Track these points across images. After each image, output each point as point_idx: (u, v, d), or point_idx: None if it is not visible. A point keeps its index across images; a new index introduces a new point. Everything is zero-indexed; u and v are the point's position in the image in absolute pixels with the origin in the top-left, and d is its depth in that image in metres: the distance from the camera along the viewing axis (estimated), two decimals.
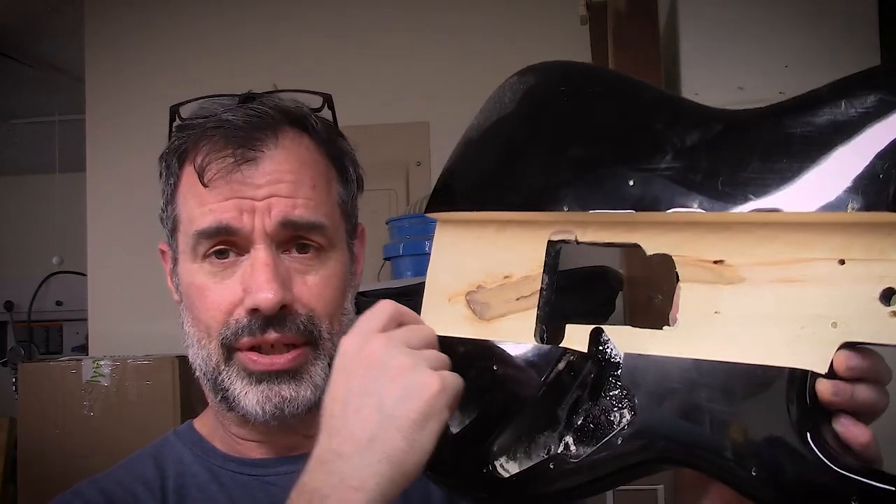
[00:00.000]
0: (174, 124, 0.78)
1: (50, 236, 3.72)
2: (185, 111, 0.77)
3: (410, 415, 0.55)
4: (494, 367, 0.64)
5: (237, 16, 2.39)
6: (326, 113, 0.79)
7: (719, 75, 1.34)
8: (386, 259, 1.96)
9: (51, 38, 2.87)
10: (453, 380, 0.57)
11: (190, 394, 1.90)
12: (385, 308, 0.61)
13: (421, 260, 1.73)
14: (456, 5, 2.29)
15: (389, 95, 2.29)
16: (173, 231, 0.77)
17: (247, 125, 0.72)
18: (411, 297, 1.51)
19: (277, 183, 0.72)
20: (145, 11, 2.43)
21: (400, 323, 0.61)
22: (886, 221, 0.47)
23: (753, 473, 0.50)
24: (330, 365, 0.73)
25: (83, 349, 3.41)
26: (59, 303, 3.87)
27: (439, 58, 2.27)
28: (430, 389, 0.55)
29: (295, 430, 0.76)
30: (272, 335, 0.71)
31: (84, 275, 2.49)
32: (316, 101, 0.79)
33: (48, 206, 3.75)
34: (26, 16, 2.71)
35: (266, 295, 0.69)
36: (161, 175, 0.79)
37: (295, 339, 0.72)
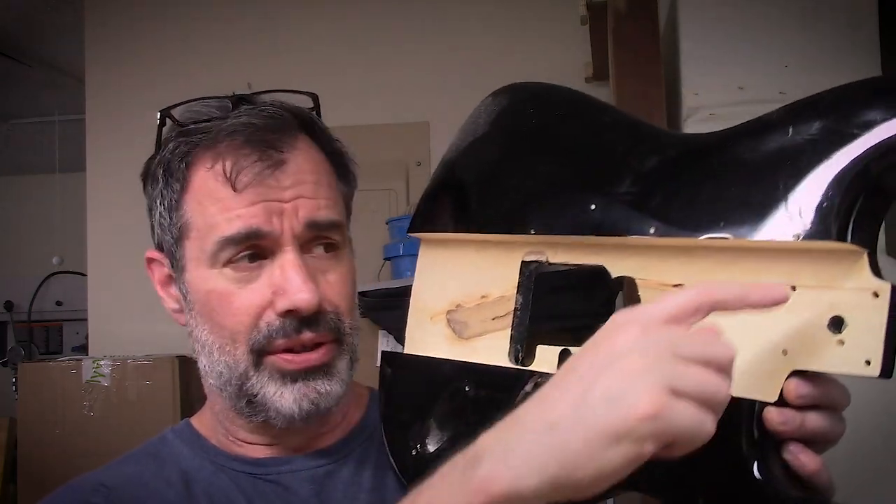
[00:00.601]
0: (165, 129, 0.76)
1: (50, 236, 3.72)
2: (174, 114, 0.76)
3: (603, 423, 0.45)
4: (466, 388, 0.64)
5: (237, 16, 2.39)
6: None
7: (719, 75, 1.34)
8: (386, 259, 1.96)
9: (51, 38, 2.87)
10: (685, 418, 0.45)
11: (190, 394, 1.90)
12: (690, 296, 0.49)
13: None
14: (456, 5, 2.29)
15: (389, 95, 2.29)
16: (180, 238, 0.75)
17: (267, 127, 0.71)
18: (410, 297, 1.51)
19: (302, 184, 0.72)
20: (145, 11, 2.43)
21: (708, 313, 0.49)
22: (834, 249, 0.47)
23: (701, 503, 0.50)
24: (351, 360, 0.75)
25: (83, 349, 3.41)
26: (59, 303, 3.88)
27: (439, 58, 2.27)
28: (637, 410, 0.44)
29: (308, 430, 0.77)
30: (307, 335, 0.71)
31: (84, 275, 2.49)
32: (305, 102, 0.78)
33: (48, 206, 3.75)
34: (26, 16, 2.71)
35: (304, 296, 0.69)
36: (157, 182, 0.75)
37: (325, 338, 0.73)
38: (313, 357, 0.72)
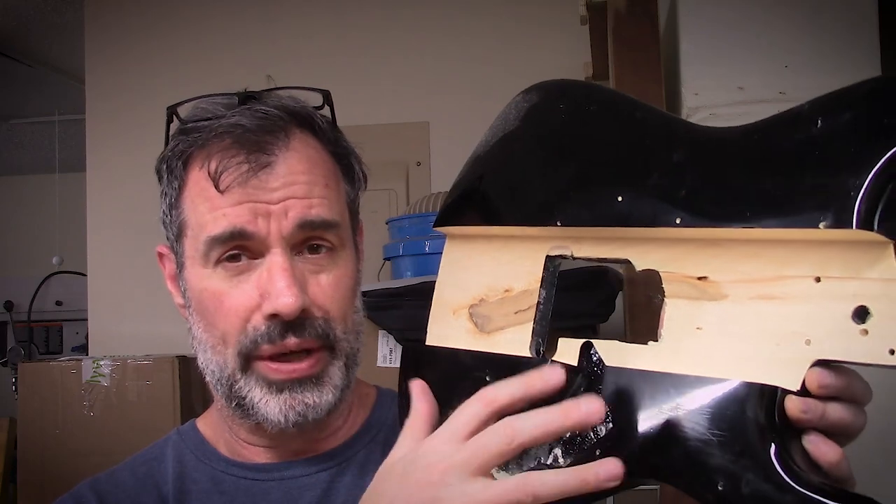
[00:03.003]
0: (172, 126, 0.76)
1: (50, 236, 3.73)
2: (182, 112, 0.76)
3: None
4: (487, 379, 0.64)
5: (237, 16, 2.39)
6: (325, 110, 0.78)
7: (719, 75, 1.34)
8: (386, 259, 1.96)
9: (51, 38, 2.87)
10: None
11: (190, 394, 1.90)
12: (473, 413, 0.56)
13: (421, 260, 1.73)
14: (456, 5, 2.29)
15: (389, 95, 2.29)
16: (179, 236, 0.75)
17: (257, 128, 0.71)
18: (411, 297, 1.52)
19: (292, 185, 0.71)
20: (145, 11, 2.43)
21: (497, 419, 0.55)
22: (859, 239, 0.47)
23: (720, 488, 0.50)
24: (346, 365, 0.74)
25: (83, 349, 3.41)
26: (59, 303, 3.88)
27: (439, 58, 2.27)
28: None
29: (307, 435, 0.76)
30: (292, 340, 0.70)
31: (84, 275, 2.49)
32: (315, 99, 0.78)
33: (48, 206, 3.76)
34: (26, 16, 2.71)
35: (286, 300, 0.68)
36: (161, 178, 0.77)
37: (313, 344, 0.71)
38: (301, 367, 0.71)
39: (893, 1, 1.36)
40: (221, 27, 2.39)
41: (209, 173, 0.70)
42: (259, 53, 2.33)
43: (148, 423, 1.83)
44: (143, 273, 2.37)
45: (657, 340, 0.56)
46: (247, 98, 0.73)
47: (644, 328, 1.26)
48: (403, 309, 1.56)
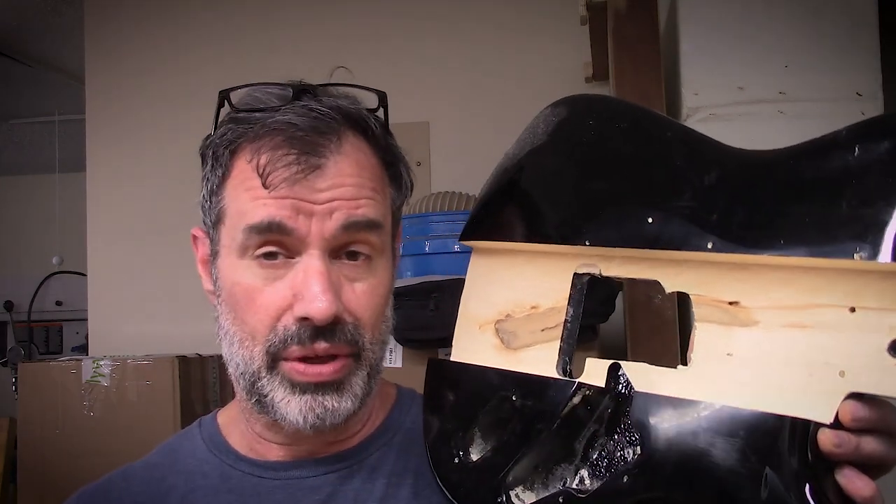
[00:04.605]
0: (223, 110, 0.74)
1: (50, 236, 3.73)
2: (233, 98, 0.74)
3: None
4: (514, 398, 0.64)
5: (237, 16, 2.39)
6: (380, 111, 0.77)
7: (719, 75, 1.34)
8: None
9: (51, 38, 2.87)
10: None
11: (190, 394, 1.90)
12: None
13: (421, 260, 1.73)
14: (457, 6, 2.29)
15: (389, 95, 2.28)
16: (216, 223, 0.74)
17: (310, 129, 0.69)
18: (411, 297, 1.52)
19: (340, 187, 0.70)
20: (145, 11, 2.43)
21: None
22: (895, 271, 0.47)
23: None
24: (370, 374, 0.73)
25: (83, 349, 3.41)
26: (59, 303, 3.88)
27: (439, 58, 2.27)
28: None
29: (323, 437, 0.76)
30: (321, 345, 0.69)
31: (84, 275, 2.49)
32: (370, 99, 0.76)
33: (48, 206, 3.76)
34: (26, 16, 2.71)
35: (320, 305, 0.67)
36: (205, 162, 0.75)
37: (341, 350, 0.70)
38: (325, 371, 0.70)
39: (893, 1, 1.36)
40: (221, 28, 2.39)
41: (257, 168, 0.69)
42: (259, 53, 2.33)
43: (148, 424, 1.83)
44: (143, 273, 2.37)
45: (686, 364, 0.56)
46: (301, 92, 0.72)
47: (644, 328, 1.26)
48: (403, 309, 1.56)
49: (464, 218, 1.64)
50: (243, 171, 0.71)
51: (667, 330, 1.25)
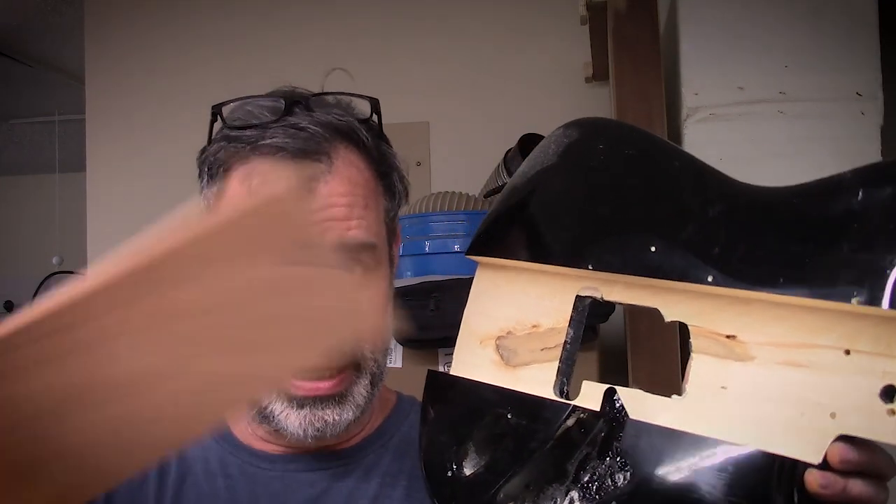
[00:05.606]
0: (216, 126, 0.75)
1: (50, 236, 3.73)
2: (225, 111, 0.75)
3: None
4: (509, 416, 0.64)
5: (237, 17, 2.39)
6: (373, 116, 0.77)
7: (719, 75, 1.34)
8: None
9: (51, 38, 2.87)
10: None
11: None
12: None
13: (421, 260, 1.73)
14: (456, 6, 2.29)
15: (389, 95, 2.27)
16: None
17: (301, 153, 0.69)
18: (411, 297, 1.52)
19: (332, 207, 0.70)
20: (145, 11, 2.43)
21: None
22: (893, 317, 0.47)
23: None
24: (371, 383, 0.73)
25: None
26: None
27: (439, 58, 2.27)
28: None
29: (322, 441, 0.76)
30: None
31: (84, 275, 2.48)
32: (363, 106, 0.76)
33: (48, 206, 3.76)
34: (26, 16, 2.71)
35: None
36: (202, 174, 0.76)
37: (340, 364, 0.71)
38: (324, 386, 0.71)
39: (893, 1, 1.37)
40: (222, 28, 2.39)
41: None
42: (259, 53, 2.33)
43: None
44: None
45: (681, 395, 0.56)
46: (293, 104, 0.72)
47: (644, 328, 1.26)
48: (403, 309, 1.56)
49: (464, 218, 1.64)
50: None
51: (667, 330, 1.25)
